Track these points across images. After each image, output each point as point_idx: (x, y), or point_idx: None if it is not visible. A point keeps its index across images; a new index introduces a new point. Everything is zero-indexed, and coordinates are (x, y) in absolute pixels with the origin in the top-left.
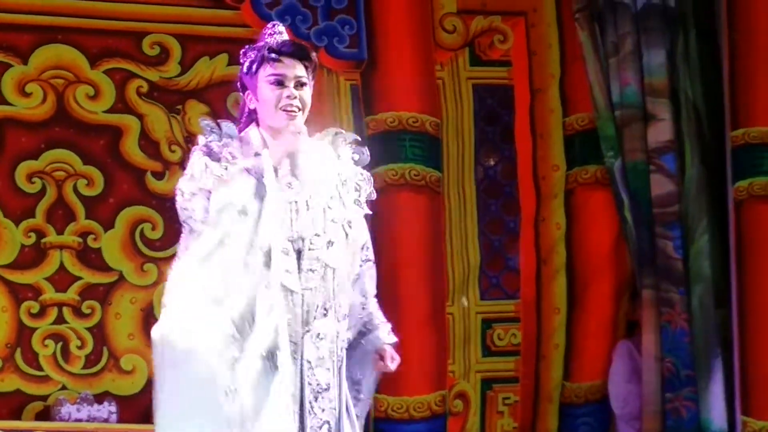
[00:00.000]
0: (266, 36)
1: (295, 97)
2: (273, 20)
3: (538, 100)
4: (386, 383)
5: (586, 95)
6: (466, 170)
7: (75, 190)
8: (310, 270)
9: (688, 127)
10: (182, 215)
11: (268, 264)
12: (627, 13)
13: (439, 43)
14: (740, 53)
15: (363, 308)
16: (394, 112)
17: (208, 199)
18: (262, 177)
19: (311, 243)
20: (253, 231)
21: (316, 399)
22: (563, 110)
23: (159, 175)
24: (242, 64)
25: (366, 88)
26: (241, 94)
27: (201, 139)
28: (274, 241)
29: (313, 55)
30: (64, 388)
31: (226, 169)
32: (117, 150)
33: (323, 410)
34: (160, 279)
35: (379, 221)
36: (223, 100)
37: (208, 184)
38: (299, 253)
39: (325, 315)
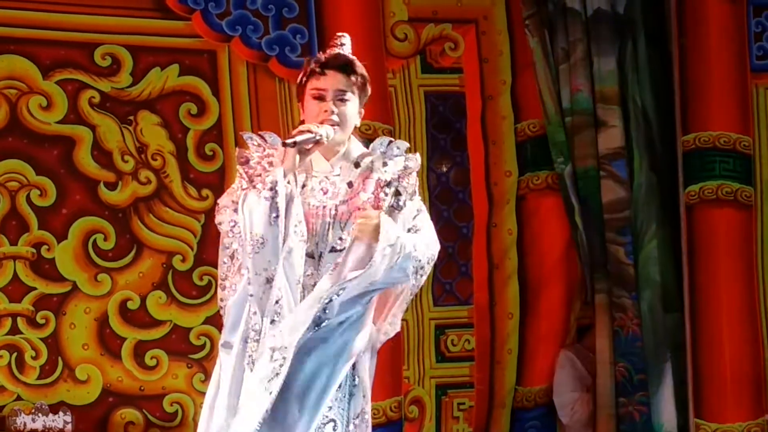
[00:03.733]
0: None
1: (333, 112)
2: (224, 30)
3: (490, 107)
4: None
5: (538, 101)
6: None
7: (28, 200)
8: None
9: (638, 134)
10: (218, 227)
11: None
12: (577, 20)
13: (390, 51)
14: (690, 58)
15: None
16: None
17: (235, 211)
18: (277, 195)
19: (334, 246)
20: (266, 256)
21: None
22: (515, 116)
23: (112, 186)
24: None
25: None
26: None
27: (238, 151)
28: (279, 267)
29: (360, 68)
30: (19, 398)
31: (252, 181)
32: (70, 160)
33: (330, 408)
34: (114, 289)
35: None
36: (175, 110)
37: (237, 198)
38: (321, 255)
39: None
